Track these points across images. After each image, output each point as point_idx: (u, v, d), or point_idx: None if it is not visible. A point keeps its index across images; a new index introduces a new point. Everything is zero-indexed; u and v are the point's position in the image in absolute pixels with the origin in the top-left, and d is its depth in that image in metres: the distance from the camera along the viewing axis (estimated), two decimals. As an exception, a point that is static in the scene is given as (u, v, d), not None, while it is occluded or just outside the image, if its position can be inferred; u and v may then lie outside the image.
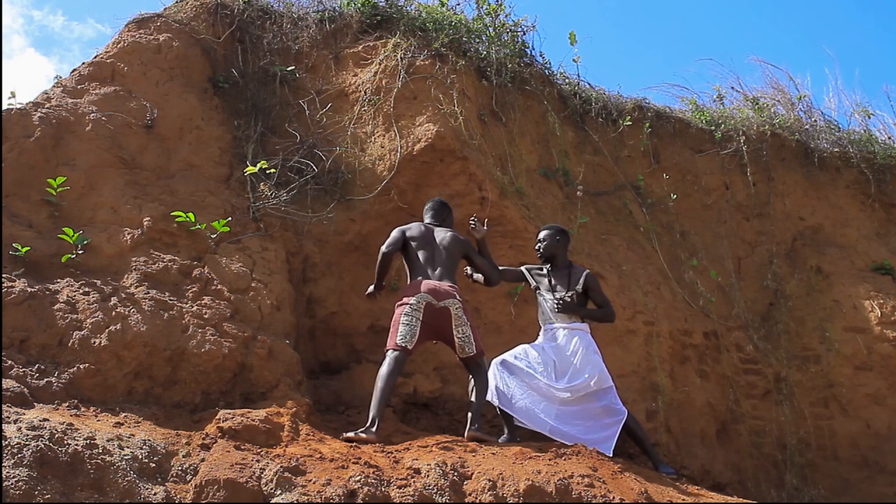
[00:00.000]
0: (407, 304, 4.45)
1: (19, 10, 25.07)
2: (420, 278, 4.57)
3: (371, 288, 4.74)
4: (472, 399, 4.47)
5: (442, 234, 4.79)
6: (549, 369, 4.62)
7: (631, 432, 4.68)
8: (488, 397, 4.52)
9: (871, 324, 6.37)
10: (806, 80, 9.35)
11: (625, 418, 4.59)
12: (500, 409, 4.59)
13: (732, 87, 8.31)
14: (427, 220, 4.94)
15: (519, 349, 4.76)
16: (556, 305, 4.77)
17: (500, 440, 4.44)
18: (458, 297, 4.52)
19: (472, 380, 4.51)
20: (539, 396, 4.56)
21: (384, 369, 4.30)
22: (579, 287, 4.84)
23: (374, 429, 4.11)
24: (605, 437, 4.50)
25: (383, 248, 4.63)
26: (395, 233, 4.73)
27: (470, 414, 4.39)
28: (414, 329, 4.39)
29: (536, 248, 5.05)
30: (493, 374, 4.60)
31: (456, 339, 4.46)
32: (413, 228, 4.78)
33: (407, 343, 4.37)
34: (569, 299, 4.74)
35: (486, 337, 5.63)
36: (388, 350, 4.40)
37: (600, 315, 4.89)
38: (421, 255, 4.66)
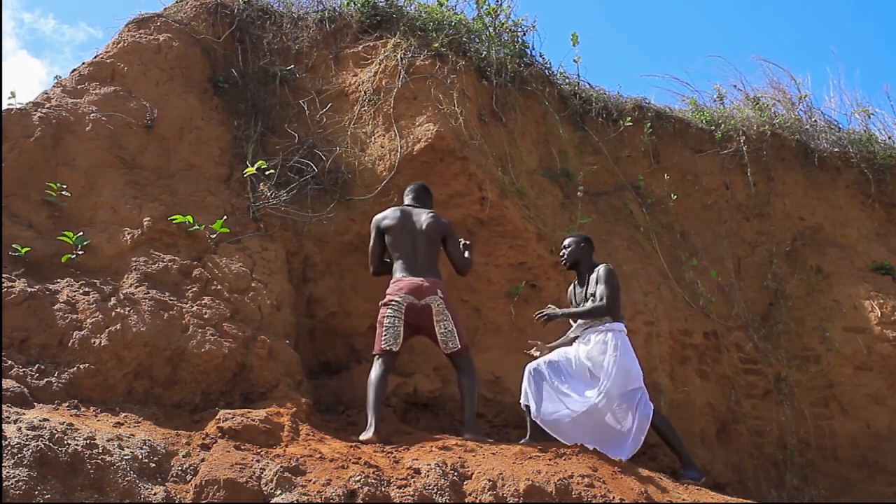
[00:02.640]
0: (390, 304, 4.49)
1: (11, 14, 25.08)
2: (401, 276, 4.57)
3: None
4: (464, 400, 4.45)
5: (422, 217, 4.73)
6: (582, 375, 4.58)
7: (659, 431, 4.64)
8: (521, 400, 4.56)
9: (871, 324, 6.37)
10: (806, 80, 9.31)
11: (648, 420, 4.51)
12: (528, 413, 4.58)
13: (735, 86, 8.32)
14: (407, 201, 4.90)
15: (554, 354, 4.71)
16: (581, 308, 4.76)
17: (520, 442, 4.44)
18: (439, 293, 4.49)
19: (459, 377, 4.49)
20: (567, 408, 4.48)
21: (373, 374, 4.38)
22: (593, 285, 4.78)
23: (371, 431, 4.13)
24: (625, 445, 4.45)
25: (371, 271, 4.83)
26: (372, 236, 4.77)
27: (465, 417, 4.42)
28: (397, 331, 4.44)
29: (561, 255, 5.02)
30: (526, 378, 4.61)
31: (438, 334, 4.46)
32: (389, 217, 4.75)
33: (391, 346, 4.43)
34: (542, 317, 4.75)
35: (485, 337, 5.64)
36: (374, 355, 4.49)
37: (584, 312, 4.71)
38: (400, 245, 4.65)
